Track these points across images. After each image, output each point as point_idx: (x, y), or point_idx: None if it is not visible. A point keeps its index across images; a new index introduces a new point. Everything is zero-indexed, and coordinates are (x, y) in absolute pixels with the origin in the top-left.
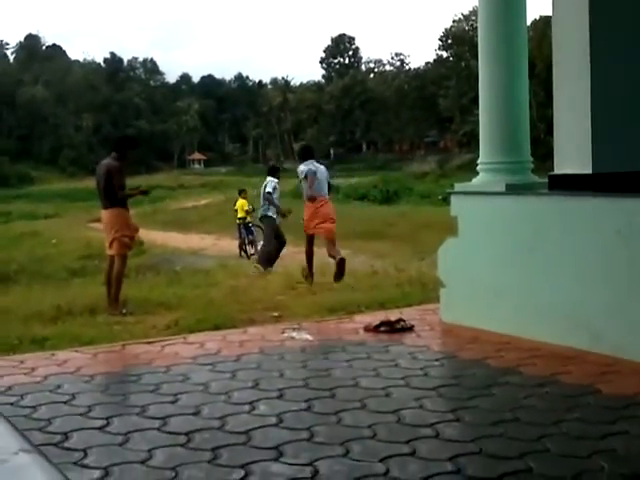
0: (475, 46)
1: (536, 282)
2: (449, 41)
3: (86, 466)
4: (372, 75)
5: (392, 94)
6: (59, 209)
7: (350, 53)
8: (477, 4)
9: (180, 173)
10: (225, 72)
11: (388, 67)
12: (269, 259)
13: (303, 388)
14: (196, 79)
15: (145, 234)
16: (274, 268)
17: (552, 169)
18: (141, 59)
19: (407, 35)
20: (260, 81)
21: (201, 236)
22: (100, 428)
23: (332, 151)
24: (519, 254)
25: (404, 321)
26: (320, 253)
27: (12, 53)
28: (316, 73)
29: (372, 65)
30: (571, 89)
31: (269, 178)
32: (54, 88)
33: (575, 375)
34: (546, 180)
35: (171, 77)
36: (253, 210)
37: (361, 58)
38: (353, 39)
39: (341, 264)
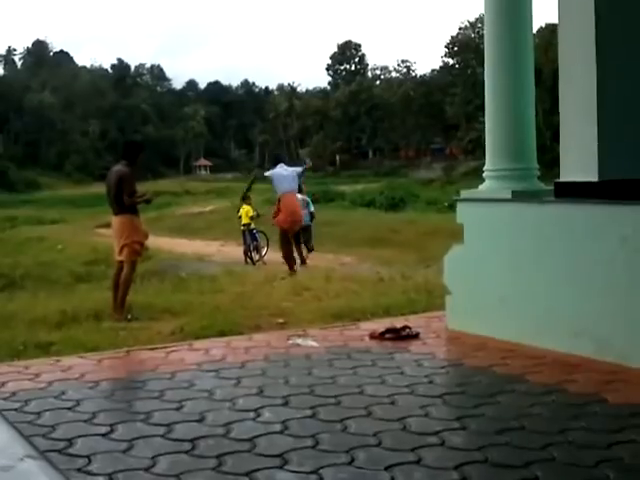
0: (481, 53)
1: (542, 289)
2: (455, 48)
3: (90, 473)
4: (378, 82)
5: (398, 101)
6: (65, 215)
7: (356, 60)
8: (483, 11)
9: (186, 179)
10: (231, 78)
11: (394, 74)
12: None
13: (308, 395)
14: (202, 85)
15: (151, 240)
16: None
17: (558, 176)
18: (148, 65)
19: (413, 42)
20: (266, 87)
21: (207, 242)
22: (104, 435)
23: (338, 157)
24: (525, 261)
25: (410, 328)
26: (326, 259)
27: (20, 59)
28: (322, 80)
29: (378, 72)
30: (577, 96)
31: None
32: (61, 94)
33: (581, 383)
34: (552, 187)
35: (178, 83)
36: (258, 216)
37: (367, 65)
38: (359, 46)
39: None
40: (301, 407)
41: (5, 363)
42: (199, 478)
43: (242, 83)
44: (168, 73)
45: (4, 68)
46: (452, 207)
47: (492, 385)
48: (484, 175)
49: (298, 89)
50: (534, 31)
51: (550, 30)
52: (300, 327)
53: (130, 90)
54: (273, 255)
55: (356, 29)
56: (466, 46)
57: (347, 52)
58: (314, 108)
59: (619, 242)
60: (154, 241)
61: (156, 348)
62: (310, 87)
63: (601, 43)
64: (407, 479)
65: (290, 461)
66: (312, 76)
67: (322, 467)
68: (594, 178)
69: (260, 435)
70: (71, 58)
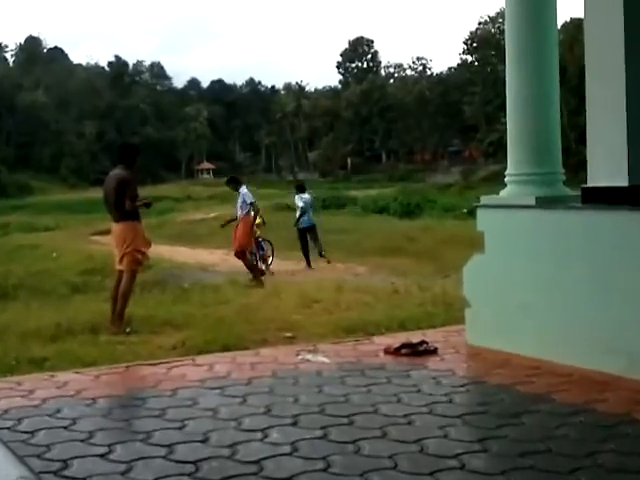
0: (502, 49)
1: (568, 302)
2: (474, 44)
3: None
4: (392, 80)
5: (413, 100)
6: (60, 221)
7: (368, 57)
8: (504, 5)
9: (188, 183)
10: (236, 77)
11: (409, 72)
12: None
13: (319, 414)
14: (205, 84)
15: (151, 248)
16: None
17: (585, 181)
18: (147, 63)
19: (429, 38)
20: (273, 86)
21: (210, 250)
22: (102, 455)
23: (349, 161)
24: (550, 272)
25: (427, 343)
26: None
27: (12, 56)
28: (332, 78)
29: (392, 70)
30: (605, 95)
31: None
32: (55, 93)
33: (611, 403)
34: (579, 193)
35: (179, 82)
36: (263, 223)
37: (380, 62)
38: (372, 42)
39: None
40: (311, 427)
41: None
42: None
43: (247, 82)
44: (169, 71)
45: None
46: (472, 214)
47: (516, 404)
48: (506, 180)
49: (307, 88)
50: (558, 26)
51: (576, 25)
52: (310, 342)
53: (128, 89)
54: (281, 265)
55: (368, 24)
56: (486, 42)
57: (359, 49)
58: (324, 108)
59: None
60: (155, 249)
61: (157, 363)
62: (319, 86)
63: (630, 38)
64: None
65: None
66: (321, 74)
67: None
68: (624, 183)
69: (268, 457)
70: (66, 55)
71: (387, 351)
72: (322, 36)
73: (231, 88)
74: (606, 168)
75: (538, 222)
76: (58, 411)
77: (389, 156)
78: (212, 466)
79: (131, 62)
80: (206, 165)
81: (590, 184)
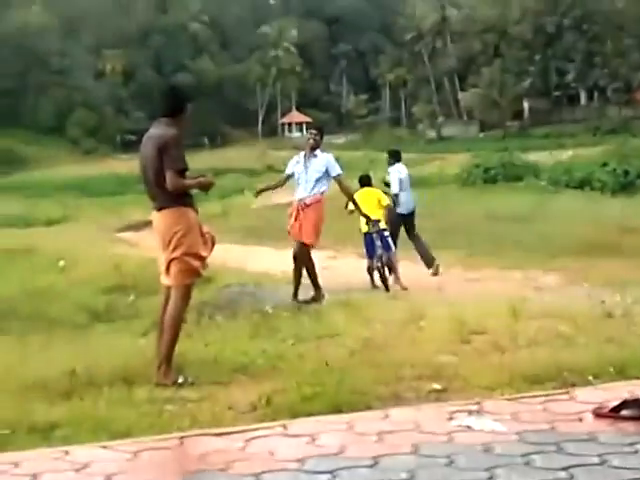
0: None
1: None
2: None
3: None
4: None
5: (631, 5)
6: (69, 209)
7: None
8: None
9: (268, 146)
10: None
11: None
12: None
13: None
14: None
15: (215, 251)
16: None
17: None
18: None
19: None
20: None
21: None
22: None
23: (527, 105)
24: None
25: None
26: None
27: None
28: None
29: None
30: None
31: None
32: (60, 10)
33: None
34: None
35: None
36: (394, 205)
37: None
38: None
39: None
40: None
41: None
42: None
43: None
44: None
45: None
46: None
47: None
48: None
49: None
50: None
51: None
52: (471, 397)
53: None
54: (416, 272)
55: None
56: None
57: None
58: (484, 22)
59: None
60: (217, 252)
61: (227, 433)
62: None
63: None
64: None
65: None
66: None
67: None
68: None
69: None
70: None
71: (598, 413)
72: None
73: None
74: None
75: None
76: None
77: (591, 96)
78: None
79: None
80: (296, 117)
81: None
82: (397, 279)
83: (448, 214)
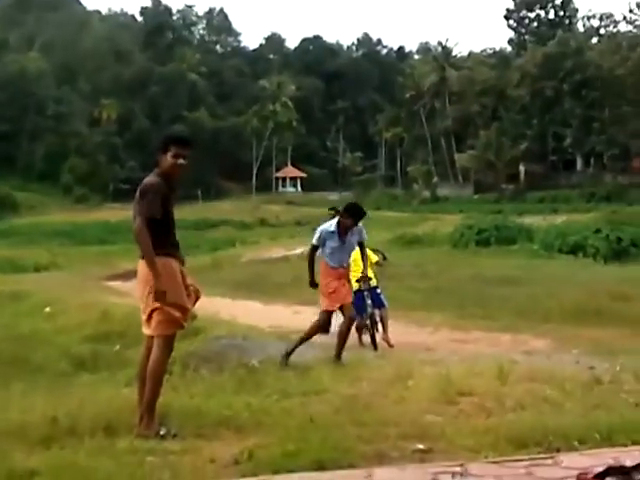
0: None
1: None
2: None
3: None
4: (595, 40)
5: (630, 73)
6: (58, 256)
7: (557, 2)
8: None
9: (261, 200)
10: (341, 33)
11: (623, 27)
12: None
13: None
14: (292, 43)
15: (200, 302)
16: None
17: None
18: (202, 11)
19: None
20: (400, 48)
21: (293, 308)
22: None
23: (523, 169)
24: None
25: None
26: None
27: None
28: (498, 36)
29: (595, 23)
30: None
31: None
32: (57, 55)
33: None
34: None
35: (251, 39)
36: (384, 259)
37: (576, 11)
38: None
39: None
40: None
41: None
42: None
43: (359, 40)
44: (236, 23)
45: None
46: None
47: None
48: None
49: (455, 52)
50: None
51: None
52: (455, 459)
53: (170, 50)
54: (406, 332)
55: None
56: None
57: None
58: (483, 83)
59: None
60: (206, 304)
61: None
62: (476, 48)
63: None
64: None
65: None
66: (480, 30)
67: None
68: None
69: None
70: None
71: (582, 479)
72: None
73: (333, 50)
74: None
75: None
76: None
77: (588, 162)
78: None
79: (176, 8)
80: (291, 171)
81: None
82: (386, 335)
83: (440, 274)
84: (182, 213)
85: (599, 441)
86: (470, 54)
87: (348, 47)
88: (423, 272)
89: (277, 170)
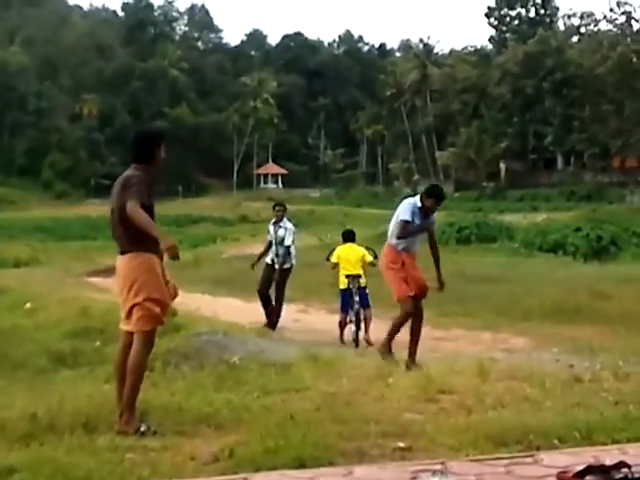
0: None
1: None
2: None
3: None
4: (576, 38)
5: (611, 72)
6: (39, 252)
7: (538, 0)
8: None
9: (242, 196)
10: (322, 30)
11: (604, 26)
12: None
13: None
14: (274, 40)
15: (181, 298)
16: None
17: None
18: (184, 6)
19: None
20: (382, 45)
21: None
22: None
23: (503, 167)
24: None
25: (628, 467)
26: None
27: None
28: (479, 34)
29: (576, 22)
30: None
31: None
32: (38, 50)
33: None
34: None
35: (233, 36)
36: (375, 257)
37: (557, 10)
38: None
39: None
40: None
41: None
42: None
43: (341, 38)
44: (218, 20)
45: None
46: None
47: None
48: None
49: (436, 49)
50: None
51: None
52: (435, 457)
53: (152, 46)
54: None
55: None
56: None
57: None
58: (464, 81)
59: None
60: (186, 300)
61: None
62: (457, 46)
63: None
64: None
65: None
66: (461, 28)
67: None
68: None
69: None
70: None
71: (562, 478)
72: None
73: (315, 47)
74: None
75: None
76: None
77: (568, 160)
78: None
79: (157, 4)
80: (272, 168)
81: None
82: (367, 335)
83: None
84: (163, 209)
85: (579, 439)
86: (451, 52)
87: (329, 44)
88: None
89: (258, 167)
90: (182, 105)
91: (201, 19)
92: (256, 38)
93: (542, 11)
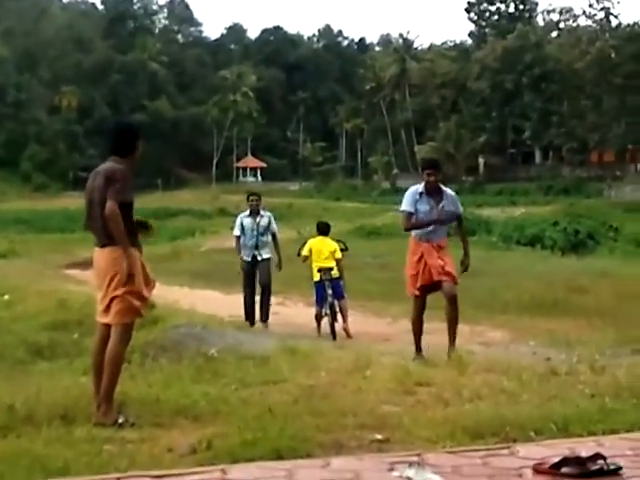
0: None
1: None
2: None
3: None
4: (555, 34)
5: (589, 67)
6: (16, 244)
7: None
8: None
9: (221, 189)
10: (302, 24)
11: (583, 21)
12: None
13: None
14: (254, 34)
15: (160, 291)
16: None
17: None
18: (163, 0)
19: None
20: (362, 40)
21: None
22: None
23: (482, 161)
24: None
25: (604, 458)
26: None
27: None
28: (459, 29)
29: (555, 17)
30: None
31: None
32: (17, 43)
33: None
34: None
35: (212, 29)
36: (345, 249)
37: (536, 5)
38: None
39: None
40: None
41: None
42: None
43: (320, 32)
44: (197, 13)
45: None
46: None
47: None
48: None
49: (416, 44)
50: None
51: None
52: (412, 449)
53: (131, 39)
54: (365, 323)
55: None
56: None
57: None
58: (443, 75)
59: None
60: (164, 293)
61: (165, 476)
62: (437, 40)
63: None
64: None
65: None
66: (440, 23)
67: None
68: None
69: None
70: None
71: (538, 469)
72: None
73: (294, 41)
74: None
75: None
76: None
77: (546, 155)
78: None
79: None
80: (251, 161)
81: None
82: (346, 324)
83: (399, 266)
84: (142, 202)
85: (555, 432)
86: (431, 46)
87: (309, 38)
88: (382, 263)
89: (237, 160)
90: (161, 98)
91: (181, 12)
92: (236, 32)
93: (521, 6)
